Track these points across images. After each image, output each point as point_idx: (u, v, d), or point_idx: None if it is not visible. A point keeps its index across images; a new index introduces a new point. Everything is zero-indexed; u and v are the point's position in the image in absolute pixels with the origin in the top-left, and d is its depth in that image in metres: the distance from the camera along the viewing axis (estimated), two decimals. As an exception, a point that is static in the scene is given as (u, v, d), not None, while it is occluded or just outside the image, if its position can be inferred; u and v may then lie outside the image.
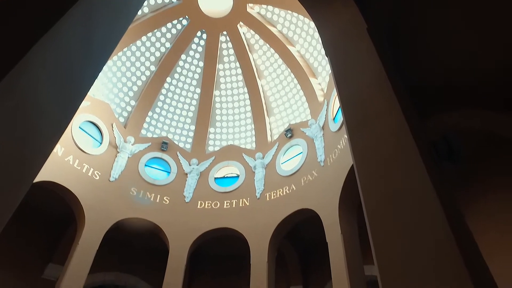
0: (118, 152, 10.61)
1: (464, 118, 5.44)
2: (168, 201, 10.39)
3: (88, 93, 10.63)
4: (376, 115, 2.89)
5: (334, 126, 8.69)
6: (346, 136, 3.48)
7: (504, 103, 5.31)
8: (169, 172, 11.35)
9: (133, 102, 12.48)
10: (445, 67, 4.56)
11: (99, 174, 9.81)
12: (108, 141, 10.53)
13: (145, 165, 11.17)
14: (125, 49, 11.90)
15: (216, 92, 13.43)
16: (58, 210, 9.88)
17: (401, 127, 2.66)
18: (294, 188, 9.25)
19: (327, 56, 4.14)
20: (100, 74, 11.43)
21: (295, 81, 12.02)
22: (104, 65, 3.12)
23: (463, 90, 4.90)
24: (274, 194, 9.67)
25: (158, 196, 10.44)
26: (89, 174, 9.50)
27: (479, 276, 1.75)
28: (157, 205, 10.22)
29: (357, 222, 7.51)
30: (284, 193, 9.44)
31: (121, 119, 11.94)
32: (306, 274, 10.58)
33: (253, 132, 12.54)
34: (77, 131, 9.75)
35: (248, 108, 13.13)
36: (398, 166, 2.53)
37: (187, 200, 10.51)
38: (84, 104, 10.27)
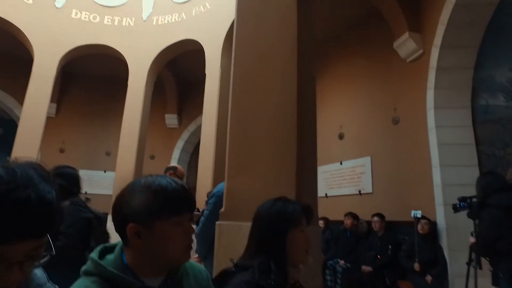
0: None
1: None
2: (31, 1, 8.71)
3: None
4: None
5: (238, -42, 8.01)
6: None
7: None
8: (33, -35, 9.14)
9: None
10: None
11: None
12: None
13: None
14: None
15: None
16: None
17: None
18: (184, 17, 8.79)
19: None
20: None
21: None
22: None
23: None
24: (162, 20, 9.07)
25: (18, -9, 8.60)
26: None
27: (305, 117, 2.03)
28: (16, 2, 8.50)
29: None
30: (173, 20, 8.93)
31: None
32: (181, 105, 11.24)
33: None
34: None
35: None
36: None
37: (58, 5, 8.98)
38: None
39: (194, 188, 7.29)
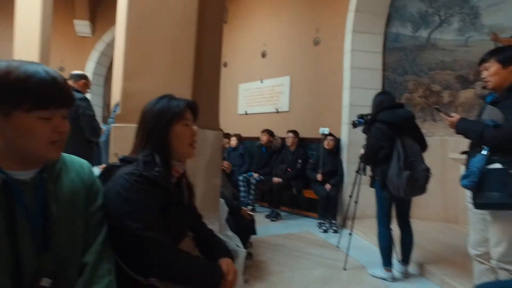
0: None
1: None
2: None
3: None
4: None
5: None
6: None
7: None
8: None
9: None
10: None
11: None
12: None
13: None
14: None
15: None
16: None
17: None
18: None
19: None
20: None
21: None
22: None
23: None
24: None
25: None
26: None
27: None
28: None
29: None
30: None
31: None
32: (94, 11, 9.81)
33: None
34: None
35: None
36: None
37: None
38: None
39: (108, 104, 6.84)
